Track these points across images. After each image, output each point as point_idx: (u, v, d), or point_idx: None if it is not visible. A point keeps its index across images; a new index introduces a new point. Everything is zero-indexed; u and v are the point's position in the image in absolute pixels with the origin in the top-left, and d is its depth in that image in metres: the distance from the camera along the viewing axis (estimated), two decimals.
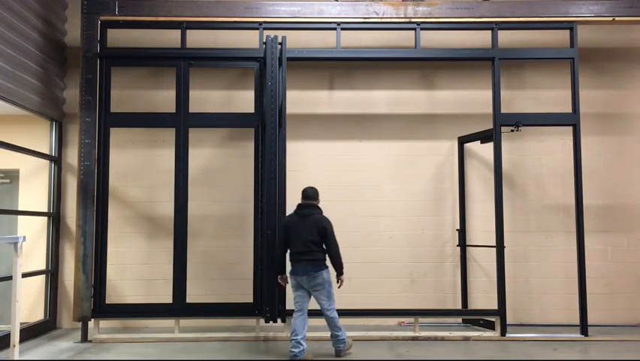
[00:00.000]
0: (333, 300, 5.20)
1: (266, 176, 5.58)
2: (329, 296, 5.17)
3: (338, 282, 5.22)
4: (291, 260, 5.25)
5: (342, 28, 6.37)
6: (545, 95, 7.05)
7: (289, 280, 5.30)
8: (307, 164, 6.94)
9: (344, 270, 5.23)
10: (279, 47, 5.66)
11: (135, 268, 6.75)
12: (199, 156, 6.76)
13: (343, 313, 5.89)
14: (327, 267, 5.20)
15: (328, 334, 5.36)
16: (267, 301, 5.50)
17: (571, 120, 6.29)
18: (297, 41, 6.76)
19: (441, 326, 6.52)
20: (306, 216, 5.24)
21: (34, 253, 6.60)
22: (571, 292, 6.42)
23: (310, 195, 5.37)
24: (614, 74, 7.16)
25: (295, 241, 5.19)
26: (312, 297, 5.26)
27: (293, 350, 5.06)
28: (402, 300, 6.72)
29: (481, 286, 6.86)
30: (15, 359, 4.55)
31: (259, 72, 6.32)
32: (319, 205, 5.40)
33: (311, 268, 5.10)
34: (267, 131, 5.56)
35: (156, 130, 6.76)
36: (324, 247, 5.20)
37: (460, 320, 6.77)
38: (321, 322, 5.41)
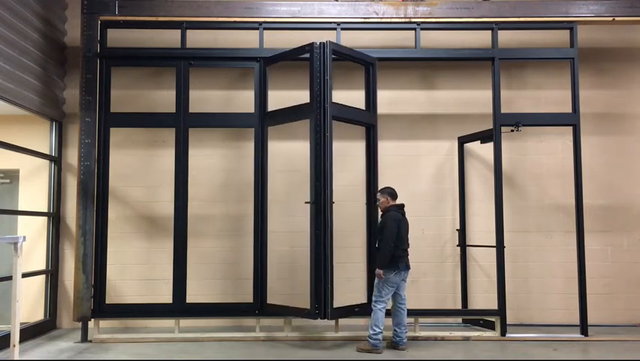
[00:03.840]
0: None
1: (314, 177, 5.77)
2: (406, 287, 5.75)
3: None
4: (396, 256, 5.52)
5: (342, 28, 6.37)
6: (545, 95, 7.05)
7: (393, 276, 5.51)
8: (307, 164, 6.92)
9: None
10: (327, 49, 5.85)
11: (135, 268, 6.75)
12: (199, 156, 6.76)
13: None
14: None
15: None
16: (315, 299, 5.59)
17: (571, 120, 6.29)
18: (297, 41, 6.74)
19: (441, 326, 6.52)
20: (404, 215, 5.74)
21: (34, 253, 6.60)
22: (571, 292, 6.42)
23: (397, 194, 5.82)
24: (614, 74, 7.16)
25: (403, 239, 5.62)
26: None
27: (396, 338, 5.63)
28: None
29: (481, 286, 6.86)
30: (15, 359, 4.55)
31: (259, 72, 6.32)
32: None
33: (409, 264, 5.69)
34: (312, 135, 5.78)
35: (156, 130, 6.76)
36: None
37: (460, 320, 6.77)
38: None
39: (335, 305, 5.67)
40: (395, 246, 5.50)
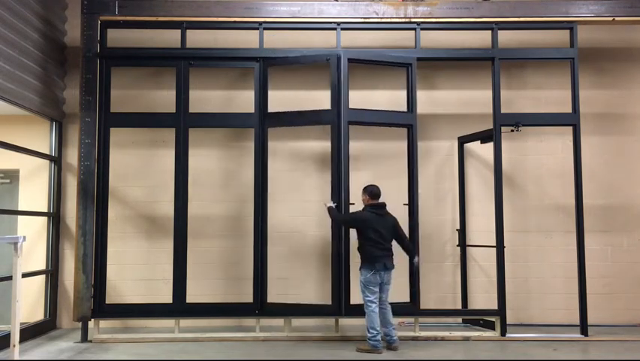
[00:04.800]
0: None
1: (336, 180, 6.01)
2: (389, 290, 5.66)
3: (414, 264, 5.85)
4: (372, 256, 5.51)
5: (342, 28, 6.37)
6: (545, 95, 7.05)
7: (370, 277, 5.47)
8: (308, 164, 6.94)
9: None
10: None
11: (135, 268, 6.75)
12: (199, 156, 6.76)
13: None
14: None
15: None
16: (337, 296, 5.89)
17: (571, 120, 6.29)
18: (297, 41, 6.77)
19: (441, 326, 6.52)
20: (383, 215, 5.64)
21: (34, 253, 6.60)
22: (571, 292, 6.41)
23: (379, 193, 5.74)
24: (614, 74, 7.16)
25: (376, 238, 5.52)
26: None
27: (386, 338, 5.59)
28: (402, 300, 6.70)
29: (481, 286, 6.86)
30: (15, 359, 4.55)
31: (259, 72, 6.32)
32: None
33: (390, 265, 5.58)
34: (334, 141, 6.03)
35: (156, 130, 6.76)
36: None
37: (460, 320, 6.77)
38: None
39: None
40: (370, 246, 5.51)
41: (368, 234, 5.53)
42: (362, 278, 5.53)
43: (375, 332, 5.44)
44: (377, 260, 5.49)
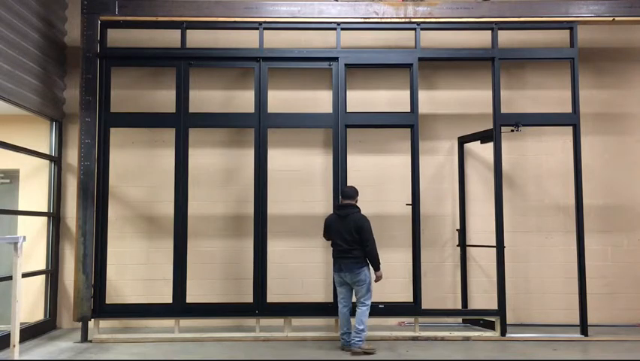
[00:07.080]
0: (370, 295, 5.49)
1: (338, 178, 6.16)
2: (368, 291, 5.47)
3: (376, 279, 5.53)
4: (333, 257, 5.62)
5: (342, 29, 6.37)
6: (545, 95, 7.05)
7: (333, 275, 5.63)
8: (308, 165, 6.94)
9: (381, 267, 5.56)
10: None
11: (135, 268, 6.76)
12: (199, 155, 6.76)
13: None
14: (367, 264, 5.49)
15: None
16: (335, 296, 5.94)
17: (571, 120, 6.30)
18: (298, 41, 6.76)
19: (441, 326, 6.52)
20: (344, 217, 5.53)
21: (34, 253, 6.60)
22: (571, 292, 6.42)
23: (349, 194, 5.66)
24: (614, 74, 7.16)
25: (335, 240, 5.54)
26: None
27: (345, 339, 5.55)
28: (402, 300, 6.71)
29: (481, 286, 6.86)
30: (15, 359, 4.56)
31: (259, 72, 6.32)
32: (357, 204, 5.66)
33: (346, 267, 5.43)
34: (334, 148, 6.24)
35: (156, 130, 6.76)
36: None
37: (460, 320, 6.77)
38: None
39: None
40: (332, 247, 5.62)
41: (329, 236, 5.67)
42: None
43: (340, 332, 5.63)
44: (334, 261, 5.60)
